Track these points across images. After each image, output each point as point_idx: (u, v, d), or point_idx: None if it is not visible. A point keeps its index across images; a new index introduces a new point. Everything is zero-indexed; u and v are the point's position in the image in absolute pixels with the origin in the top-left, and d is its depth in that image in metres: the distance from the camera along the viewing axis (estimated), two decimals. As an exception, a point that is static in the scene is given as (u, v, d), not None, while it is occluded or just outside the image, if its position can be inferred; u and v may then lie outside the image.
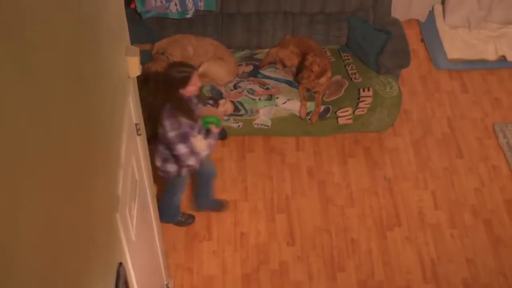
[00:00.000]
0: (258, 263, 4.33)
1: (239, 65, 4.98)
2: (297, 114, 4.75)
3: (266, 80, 4.87)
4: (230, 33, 5.09)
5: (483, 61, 5.63)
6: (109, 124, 2.21)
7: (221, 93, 4.74)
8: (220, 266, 4.32)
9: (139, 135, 3.29)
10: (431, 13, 6.00)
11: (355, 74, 4.90)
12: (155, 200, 3.53)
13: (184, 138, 3.59)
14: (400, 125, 5.14)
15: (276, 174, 4.80)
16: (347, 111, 4.77)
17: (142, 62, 4.53)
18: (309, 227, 4.51)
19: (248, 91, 4.76)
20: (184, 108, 3.59)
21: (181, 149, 3.62)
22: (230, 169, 4.81)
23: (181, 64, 3.71)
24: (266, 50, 5.11)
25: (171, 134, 3.58)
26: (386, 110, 4.81)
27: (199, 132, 3.71)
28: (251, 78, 4.88)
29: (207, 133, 3.74)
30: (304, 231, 4.49)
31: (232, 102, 4.69)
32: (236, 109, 4.69)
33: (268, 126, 4.79)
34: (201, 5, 4.94)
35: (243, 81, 4.85)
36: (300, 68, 4.76)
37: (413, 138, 5.08)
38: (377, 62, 4.88)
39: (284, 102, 4.74)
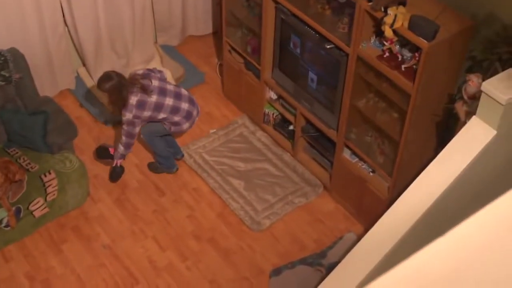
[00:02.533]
0: None
1: None
2: (-11, 227, 4.64)
3: None
4: None
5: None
6: None
7: None
8: None
9: None
10: (78, 78, 6.30)
11: (30, 164, 4.95)
12: None
13: None
14: (96, 192, 5.33)
15: (-5, 296, 4.64)
16: (39, 201, 4.80)
17: None
18: (53, 329, 4.46)
19: None
20: None
21: None
22: None
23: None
24: None
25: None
26: (76, 184, 4.97)
27: None
28: None
29: None
30: (50, 336, 4.43)
31: None
32: None
33: (-35, 254, 4.60)
34: None
35: None
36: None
37: (113, 197, 5.32)
38: (46, 144, 5.00)
39: (-30, 222, 4.60)
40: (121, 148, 5.11)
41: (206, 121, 6.02)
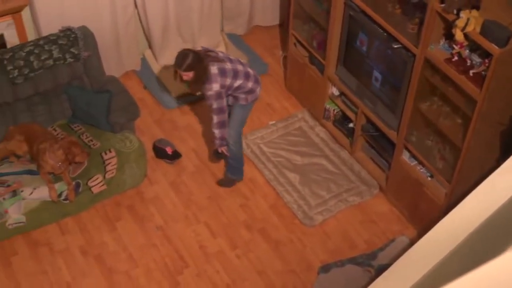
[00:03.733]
0: None
1: (-31, 173, 4.86)
2: (49, 199, 4.77)
3: (5, 178, 4.82)
4: None
5: (206, 89, 6.16)
6: None
7: (-40, 208, 4.59)
8: None
9: None
10: (144, 60, 6.40)
11: (92, 141, 5.08)
12: None
13: None
14: (153, 173, 5.43)
15: (50, 266, 4.77)
16: (98, 178, 4.92)
17: None
18: (102, 304, 4.58)
19: (-11, 196, 4.68)
20: None
21: None
22: (-2, 281, 4.68)
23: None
24: (-7, 147, 5.06)
25: None
26: (134, 164, 5.06)
27: None
28: (-12, 181, 4.80)
29: None
30: (98, 310, 4.54)
31: (-24, 212, 4.58)
32: (-17, 218, 4.59)
33: (24, 222, 4.75)
34: None
35: (-20, 187, 4.75)
36: (33, 156, 4.86)
37: (169, 180, 5.40)
38: (108, 123, 5.12)
39: (31, 193, 4.74)
40: (215, 131, 4.90)
41: (266, 112, 6.04)
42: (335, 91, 5.59)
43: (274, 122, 5.92)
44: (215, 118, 4.81)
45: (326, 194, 5.31)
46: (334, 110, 5.72)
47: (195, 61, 4.61)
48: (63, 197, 4.82)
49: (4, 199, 4.67)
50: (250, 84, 4.86)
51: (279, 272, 4.81)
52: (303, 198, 5.26)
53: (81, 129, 5.22)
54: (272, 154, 5.60)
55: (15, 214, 4.69)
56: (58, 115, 5.34)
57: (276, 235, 5.05)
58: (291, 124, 5.91)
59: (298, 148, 5.68)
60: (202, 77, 4.64)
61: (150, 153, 5.54)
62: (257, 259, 4.88)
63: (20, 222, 4.73)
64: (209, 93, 4.68)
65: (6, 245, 4.87)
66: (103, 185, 4.95)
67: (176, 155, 5.51)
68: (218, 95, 4.70)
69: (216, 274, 4.77)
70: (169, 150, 5.48)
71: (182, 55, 4.65)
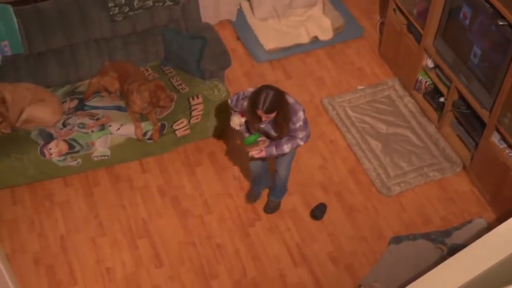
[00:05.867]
0: (131, 294, 4.43)
1: (63, 102, 5.00)
2: (134, 137, 4.87)
3: (95, 111, 4.94)
4: (45, 72, 5.10)
5: (298, 46, 6.09)
6: None
7: (51, 135, 4.75)
8: (94, 308, 4.36)
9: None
10: (240, 11, 6.37)
11: (181, 85, 5.12)
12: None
13: None
14: (236, 124, 5.43)
15: (128, 201, 4.90)
16: (183, 122, 4.97)
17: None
18: (173, 244, 4.66)
19: (78, 126, 4.81)
20: None
21: None
22: (79, 209, 4.83)
23: None
24: (87, 81, 5.18)
25: None
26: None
27: None
28: (79, 112, 4.93)
29: None
30: (169, 249, 4.64)
31: (65, 141, 4.73)
32: (71, 146, 4.73)
33: (108, 156, 4.88)
34: (8, 51, 4.91)
35: (71, 117, 4.89)
36: (123, 94, 4.96)
37: (251, 133, 5.40)
38: (199, 69, 5.14)
39: (118, 128, 4.85)
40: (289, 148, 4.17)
41: (356, 77, 5.92)
42: (430, 63, 5.40)
43: (363, 87, 5.80)
44: (304, 141, 4.18)
45: (406, 166, 5.19)
46: (426, 82, 5.54)
47: (278, 98, 3.86)
48: (147, 136, 4.91)
49: (92, 131, 4.80)
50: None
51: (349, 237, 4.76)
52: (383, 167, 5.16)
53: (171, 72, 5.27)
54: (357, 119, 5.50)
55: (101, 147, 4.82)
56: (151, 56, 5.40)
57: (351, 200, 4.99)
58: (380, 91, 5.77)
59: (384, 117, 5.55)
60: (287, 115, 3.95)
61: (236, 104, 5.55)
62: (329, 221, 4.85)
63: (105, 156, 4.86)
64: (299, 124, 4.03)
65: (90, 175, 5.03)
66: (187, 129, 5.01)
67: None
68: (306, 121, 4.10)
69: (287, 231, 4.78)
70: None
71: (264, 94, 3.81)
